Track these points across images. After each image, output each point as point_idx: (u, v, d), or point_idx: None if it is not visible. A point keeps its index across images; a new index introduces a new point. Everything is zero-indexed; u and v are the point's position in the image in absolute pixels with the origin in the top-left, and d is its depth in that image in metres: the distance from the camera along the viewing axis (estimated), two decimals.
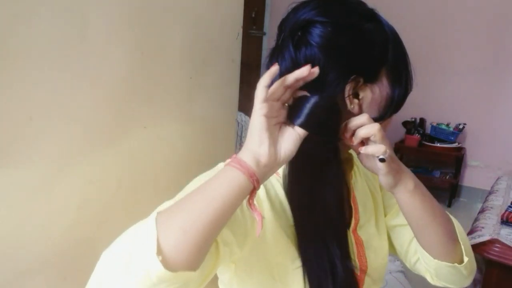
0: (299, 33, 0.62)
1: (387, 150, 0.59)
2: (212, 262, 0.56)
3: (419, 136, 3.45)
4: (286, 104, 0.57)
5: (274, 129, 0.54)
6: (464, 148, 3.49)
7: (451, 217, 0.75)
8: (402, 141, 3.51)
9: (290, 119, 0.56)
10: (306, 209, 0.66)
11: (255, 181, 0.52)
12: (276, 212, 0.67)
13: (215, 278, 0.73)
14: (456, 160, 3.38)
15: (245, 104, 1.94)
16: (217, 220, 0.50)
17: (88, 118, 0.94)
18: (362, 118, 0.60)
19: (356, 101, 0.65)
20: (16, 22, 0.76)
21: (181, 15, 1.17)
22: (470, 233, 1.48)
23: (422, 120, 3.53)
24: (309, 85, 0.55)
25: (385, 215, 0.84)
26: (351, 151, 0.74)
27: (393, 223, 0.82)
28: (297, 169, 0.65)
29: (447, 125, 3.42)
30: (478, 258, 1.34)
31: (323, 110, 0.56)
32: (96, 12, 0.91)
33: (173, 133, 1.23)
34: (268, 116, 0.52)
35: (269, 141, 0.53)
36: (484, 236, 1.40)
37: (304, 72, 0.53)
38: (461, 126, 3.37)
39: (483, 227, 1.48)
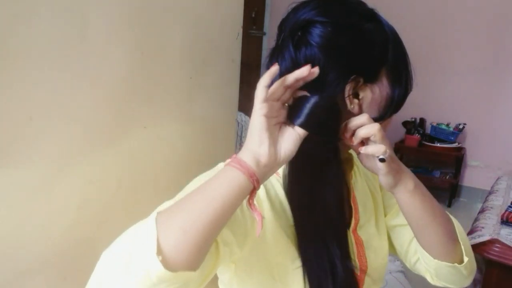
0: (299, 33, 0.62)
1: (387, 150, 0.59)
2: (212, 262, 0.56)
3: (419, 136, 3.45)
4: (286, 104, 0.57)
5: (274, 129, 0.54)
6: (464, 148, 3.49)
7: (451, 217, 0.75)
8: (402, 141, 3.51)
9: (290, 119, 0.56)
10: (306, 209, 0.66)
11: (255, 181, 0.52)
12: (276, 212, 0.67)
13: (215, 278, 0.73)
14: (456, 160, 3.38)
15: (245, 104, 1.93)
16: (217, 220, 0.50)
17: (88, 118, 0.94)
18: (362, 118, 0.60)
19: (356, 101, 0.65)
20: (16, 22, 0.76)
21: (181, 15, 1.17)
22: (470, 233, 1.48)
23: (422, 120, 3.53)
24: (309, 85, 0.55)
25: (385, 215, 0.84)
26: (351, 151, 0.74)
27: (393, 223, 0.82)
28: (297, 169, 0.65)
29: (447, 125, 3.43)
30: (478, 258, 1.34)
31: (323, 110, 0.56)
32: (96, 12, 0.91)
33: (173, 133, 1.23)
34: (268, 116, 0.52)
35: (269, 141, 0.53)
36: (484, 236, 1.40)
37: (304, 72, 0.53)
38: (461, 126, 3.37)
39: (483, 227, 1.48)
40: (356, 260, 0.74)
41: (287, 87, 0.54)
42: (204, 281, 0.55)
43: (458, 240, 0.72)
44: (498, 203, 1.77)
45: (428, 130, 3.51)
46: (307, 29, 0.62)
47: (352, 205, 0.77)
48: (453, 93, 3.47)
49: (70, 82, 0.89)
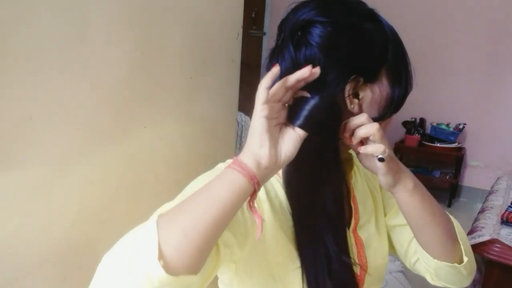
0: (299, 33, 0.62)
1: (386, 150, 0.59)
2: (213, 264, 0.56)
3: (419, 136, 3.45)
4: (286, 105, 0.57)
5: (275, 130, 0.54)
6: (464, 148, 3.50)
7: (451, 217, 0.75)
8: (402, 141, 3.51)
9: (290, 120, 0.56)
10: (306, 209, 0.66)
11: (255, 184, 0.52)
12: (276, 213, 0.67)
13: (215, 278, 0.73)
14: (456, 160, 3.38)
15: (245, 104, 1.94)
16: (218, 223, 0.50)
17: (88, 118, 0.94)
18: (361, 117, 0.60)
19: (356, 101, 0.65)
20: (16, 22, 0.76)
21: (181, 15, 1.17)
22: (470, 233, 1.48)
23: (422, 120, 3.53)
24: (309, 85, 0.55)
25: (385, 215, 0.84)
26: (351, 151, 0.74)
27: (393, 223, 0.82)
28: (297, 169, 0.65)
29: (447, 125, 3.43)
30: (478, 258, 1.34)
31: (323, 111, 0.56)
32: (96, 12, 0.91)
33: (173, 133, 1.23)
34: (269, 118, 0.52)
35: (270, 143, 0.52)
36: (484, 236, 1.40)
37: (306, 73, 0.53)
38: (461, 126, 3.37)
39: (483, 227, 1.48)
40: (356, 260, 0.74)
41: (288, 88, 0.54)
42: (205, 283, 0.55)
43: (457, 240, 0.72)
44: (498, 203, 1.77)
45: (428, 130, 3.51)
46: (307, 29, 0.62)
47: (352, 205, 0.77)
48: (453, 93, 3.47)
49: (70, 82, 0.89)
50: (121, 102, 1.02)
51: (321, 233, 0.66)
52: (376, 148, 0.59)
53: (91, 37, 0.91)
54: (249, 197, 0.53)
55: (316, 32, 0.61)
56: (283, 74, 0.55)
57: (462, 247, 0.72)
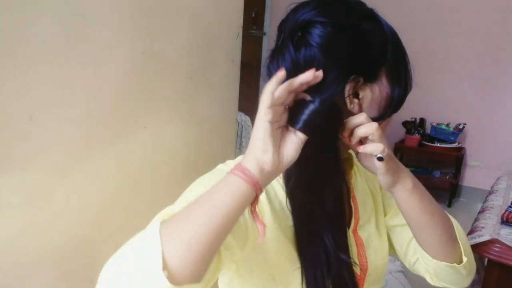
0: (299, 34, 0.63)
1: (385, 149, 0.59)
2: (214, 267, 0.56)
3: (419, 136, 3.45)
4: (287, 107, 0.57)
5: (276, 134, 0.54)
6: (464, 148, 3.49)
7: (450, 217, 0.75)
8: (402, 141, 3.51)
9: (290, 123, 0.56)
10: (306, 209, 0.66)
11: (258, 190, 0.52)
12: (276, 213, 0.67)
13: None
14: (456, 160, 3.38)
15: (245, 104, 1.94)
16: (221, 230, 0.50)
17: (88, 118, 0.94)
18: (360, 117, 0.60)
19: (356, 100, 0.65)
20: (16, 22, 0.76)
21: (181, 15, 1.17)
22: (470, 233, 1.48)
23: (422, 120, 3.53)
24: (310, 85, 0.55)
25: (385, 215, 0.84)
26: (351, 151, 0.74)
27: (392, 223, 0.82)
28: (297, 169, 0.65)
29: (447, 125, 3.43)
30: (476, 259, 1.34)
31: (323, 115, 0.56)
32: (96, 12, 0.91)
33: (173, 133, 1.23)
34: (272, 122, 0.52)
35: (273, 148, 0.52)
36: (484, 236, 1.40)
37: (309, 76, 0.53)
38: (461, 126, 3.37)
39: (483, 227, 1.48)
40: (356, 260, 0.74)
41: (291, 91, 0.54)
42: (207, 287, 0.55)
43: (457, 240, 0.72)
44: (498, 203, 1.77)
45: (428, 130, 3.51)
46: (306, 30, 0.62)
47: (352, 204, 0.77)
48: (453, 93, 3.47)
49: (70, 82, 0.89)
50: (121, 102, 1.02)
51: (321, 233, 0.66)
52: (375, 148, 0.59)
53: (91, 37, 0.91)
54: (250, 203, 0.53)
55: (316, 32, 0.62)
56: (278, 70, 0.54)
57: (461, 247, 0.72)
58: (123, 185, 1.08)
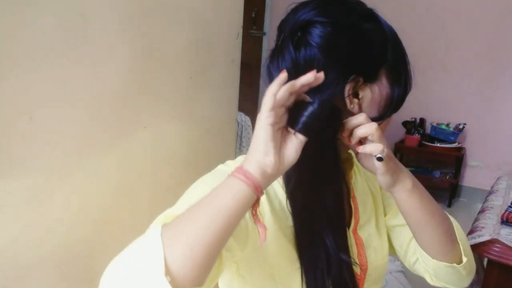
0: (299, 34, 0.62)
1: (385, 149, 0.59)
2: (215, 268, 0.55)
3: (419, 136, 3.45)
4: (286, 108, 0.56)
5: (277, 135, 0.54)
6: (464, 148, 3.49)
7: (450, 217, 0.75)
8: (402, 141, 3.51)
9: (290, 125, 0.56)
10: (306, 209, 0.66)
11: (259, 192, 0.52)
12: (275, 213, 0.67)
13: None
14: (456, 160, 3.38)
15: (245, 104, 1.94)
16: (223, 234, 0.50)
17: (88, 118, 0.94)
18: (360, 117, 0.60)
19: (356, 100, 0.65)
20: (16, 22, 0.76)
21: (181, 15, 1.17)
22: (470, 233, 1.48)
23: (422, 120, 3.53)
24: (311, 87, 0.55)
25: (385, 215, 0.84)
26: (351, 151, 0.74)
27: (392, 223, 0.82)
28: (297, 170, 0.65)
29: (447, 125, 3.42)
30: (476, 259, 1.33)
31: (323, 116, 0.56)
32: (96, 12, 0.91)
33: (173, 133, 1.23)
34: (273, 124, 0.52)
35: (275, 151, 0.52)
36: (484, 236, 1.40)
37: (311, 78, 0.53)
38: (461, 126, 3.37)
39: (483, 227, 1.48)
40: (356, 260, 0.74)
41: (293, 93, 0.54)
42: None
43: (456, 240, 0.72)
44: (498, 203, 1.77)
45: (428, 130, 3.51)
46: (306, 30, 0.62)
47: (352, 204, 0.77)
48: (453, 93, 3.47)
49: (70, 82, 0.89)
50: (121, 102, 1.02)
51: (321, 233, 0.66)
52: (375, 148, 0.59)
53: (91, 37, 0.91)
54: (252, 205, 0.53)
55: (316, 33, 0.62)
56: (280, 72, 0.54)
57: (461, 247, 0.72)
58: (123, 185, 1.08)
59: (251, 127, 2.55)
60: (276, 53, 0.65)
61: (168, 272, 0.46)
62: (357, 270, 0.73)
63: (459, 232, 0.74)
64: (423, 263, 0.75)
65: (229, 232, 0.51)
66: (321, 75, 0.53)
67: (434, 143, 3.40)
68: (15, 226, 0.83)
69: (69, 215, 0.94)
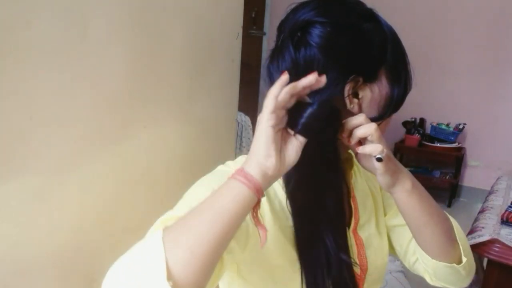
0: (299, 34, 0.63)
1: (384, 150, 0.59)
2: (216, 271, 0.55)
3: (419, 136, 3.45)
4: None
5: (278, 137, 0.54)
6: (464, 148, 3.49)
7: (450, 217, 0.75)
8: (402, 141, 3.51)
9: (290, 126, 0.56)
10: (306, 209, 0.66)
11: (260, 194, 0.52)
12: (275, 213, 0.67)
13: None
14: (456, 160, 3.38)
15: (245, 104, 1.94)
16: (224, 237, 0.50)
17: (88, 118, 0.94)
18: (359, 118, 0.60)
19: (355, 100, 0.65)
20: (16, 22, 0.76)
21: (181, 15, 1.17)
22: (470, 233, 1.48)
23: (422, 120, 3.53)
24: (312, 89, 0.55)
25: (385, 215, 0.84)
26: (351, 151, 0.74)
27: (392, 223, 0.82)
28: (296, 170, 0.65)
29: (447, 125, 3.42)
30: (475, 259, 1.33)
31: (322, 117, 0.56)
32: (96, 12, 0.91)
33: (173, 133, 1.23)
34: (274, 126, 0.52)
35: (276, 153, 0.52)
36: (484, 236, 1.40)
37: (312, 80, 0.53)
38: (461, 126, 3.37)
39: (483, 227, 1.48)
40: (356, 260, 0.74)
41: (294, 95, 0.54)
42: None
43: (456, 240, 0.72)
44: (498, 203, 1.77)
45: (428, 130, 3.51)
46: (306, 30, 0.62)
47: (352, 204, 0.77)
48: (453, 93, 3.47)
49: (70, 82, 0.89)
50: (121, 102, 1.02)
51: (321, 233, 0.66)
52: (374, 148, 0.59)
53: (91, 37, 0.91)
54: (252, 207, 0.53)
55: (316, 33, 0.62)
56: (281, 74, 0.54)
57: (461, 247, 0.72)
58: (123, 185, 1.08)
59: (251, 127, 2.55)
60: (276, 54, 0.65)
61: (169, 276, 0.46)
62: (357, 270, 0.73)
63: (459, 232, 0.74)
64: (423, 263, 0.75)
65: (231, 235, 0.51)
66: (323, 78, 0.53)
67: (434, 143, 3.39)
68: (15, 226, 0.83)
69: (69, 215, 0.94)
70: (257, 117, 0.53)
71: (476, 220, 1.62)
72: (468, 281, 0.75)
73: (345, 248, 0.68)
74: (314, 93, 0.56)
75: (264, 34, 3.86)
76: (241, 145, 2.40)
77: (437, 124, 3.43)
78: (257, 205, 0.53)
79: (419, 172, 3.46)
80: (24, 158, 0.82)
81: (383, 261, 0.80)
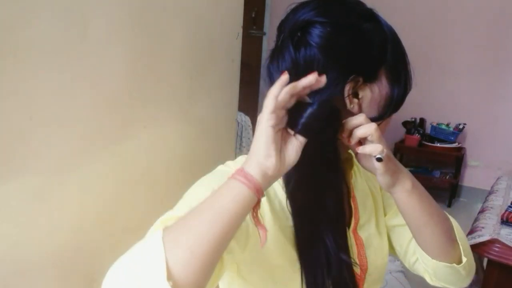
0: (299, 34, 0.63)
1: (384, 150, 0.59)
2: (216, 271, 0.56)
3: (419, 136, 3.45)
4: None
5: (278, 137, 0.54)
6: (464, 148, 3.49)
7: (450, 217, 0.75)
8: (402, 141, 3.51)
9: (290, 126, 0.56)
10: (306, 209, 0.66)
11: (260, 195, 0.52)
12: (275, 213, 0.67)
13: None
14: (456, 160, 3.38)
15: (245, 104, 1.94)
16: (224, 237, 0.50)
17: (88, 118, 0.94)
18: (359, 118, 0.60)
19: (355, 100, 0.65)
20: (16, 22, 0.76)
21: (181, 15, 1.17)
22: (470, 233, 1.48)
23: (422, 120, 3.53)
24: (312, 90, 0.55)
25: (385, 215, 0.84)
26: (351, 151, 0.74)
27: (392, 223, 0.82)
28: (296, 169, 0.65)
29: (447, 125, 3.42)
30: (475, 259, 1.33)
31: (322, 117, 0.56)
32: (96, 12, 0.91)
33: (173, 133, 1.23)
34: (274, 126, 0.52)
35: (276, 153, 0.52)
36: (484, 236, 1.40)
37: (312, 80, 0.53)
38: (461, 126, 3.37)
39: (483, 227, 1.48)
40: (356, 260, 0.74)
41: (294, 95, 0.54)
42: None
43: (456, 240, 0.72)
44: (498, 203, 1.77)
45: (428, 130, 3.51)
46: (306, 30, 0.62)
47: (352, 204, 0.77)
48: (453, 93, 3.47)
49: (70, 82, 0.89)
50: (121, 102, 1.02)
51: (321, 233, 0.66)
52: (374, 148, 0.59)
53: (91, 37, 0.91)
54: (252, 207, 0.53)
55: (316, 33, 0.62)
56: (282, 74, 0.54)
57: (461, 247, 0.72)
58: (123, 185, 1.08)
59: (251, 127, 2.55)
60: (276, 54, 0.65)
61: (170, 276, 0.46)
62: (357, 270, 0.73)
63: (459, 232, 0.74)
64: (423, 263, 0.75)
65: (231, 235, 0.51)
66: (323, 78, 0.53)
67: (434, 143, 3.40)
68: (15, 226, 0.83)
69: (69, 215, 0.94)
70: (257, 117, 0.53)
71: (476, 220, 1.62)
72: (468, 281, 0.75)
73: (345, 248, 0.68)
74: (314, 93, 0.56)
75: (264, 34, 3.86)
76: (241, 145, 2.40)
77: (437, 124, 3.43)
78: (257, 205, 0.53)
79: (419, 172, 3.46)
80: (24, 158, 0.82)
81: (383, 261, 0.80)
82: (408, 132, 3.48)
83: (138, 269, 0.47)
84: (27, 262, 0.86)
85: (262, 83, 3.32)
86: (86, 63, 0.91)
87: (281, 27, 0.66)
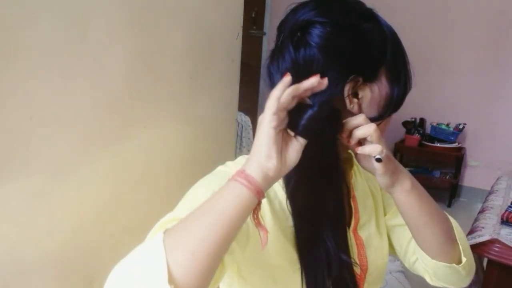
0: (299, 34, 0.63)
1: (384, 150, 0.59)
2: (217, 273, 0.55)
3: (419, 136, 3.45)
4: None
5: (279, 138, 0.54)
6: (464, 148, 3.49)
7: (450, 217, 0.75)
8: (402, 141, 3.51)
9: (290, 127, 0.56)
10: (306, 209, 0.66)
11: (261, 196, 0.52)
12: (275, 214, 0.67)
13: None
14: (456, 160, 3.38)
15: (245, 104, 1.94)
16: (225, 239, 0.50)
17: (88, 118, 0.95)
18: (359, 118, 0.60)
19: (355, 100, 0.65)
20: (16, 23, 0.76)
21: (181, 15, 1.17)
22: (470, 233, 1.48)
23: (422, 120, 3.53)
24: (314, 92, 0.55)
25: (385, 215, 0.84)
26: (351, 151, 0.74)
27: (392, 223, 0.83)
28: (296, 170, 0.65)
29: (447, 125, 3.42)
30: (475, 259, 1.33)
31: (322, 119, 0.56)
32: (96, 12, 0.91)
33: (173, 133, 1.23)
34: (276, 128, 0.52)
35: (277, 154, 0.52)
36: (484, 236, 1.40)
37: (314, 82, 0.53)
38: (461, 126, 3.37)
39: (483, 227, 1.48)
40: (356, 260, 0.74)
41: (295, 97, 0.54)
42: None
43: (456, 240, 0.72)
44: (498, 203, 1.77)
45: (428, 130, 3.51)
46: (306, 30, 0.62)
47: (352, 204, 0.77)
48: (453, 93, 3.47)
49: (70, 82, 0.89)
50: (121, 102, 1.02)
51: (321, 233, 0.66)
52: (374, 149, 0.59)
53: (91, 37, 0.91)
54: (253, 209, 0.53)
55: (316, 33, 0.62)
56: (283, 75, 0.54)
57: (460, 247, 0.72)
58: (123, 185, 1.08)
59: (251, 127, 2.55)
60: (276, 54, 0.65)
61: (171, 279, 0.46)
62: (357, 270, 0.73)
63: (459, 232, 0.74)
64: (423, 263, 0.75)
65: (232, 237, 0.51)
66: (325, 80, 0.53)
67: (434, 143, 3.40)
68: (15, 226, 0.83)
69: (69, 215, 0.94)
70: (258, 117, 0.53)
71: (476, 220, 1.62)
72: (468, 281, 0.75)
73: (345, 248, 0.68)
74: (314, 94, 0.56)
75: (264, 34, 3.86)
76: (241, 145, 2.40)
77: (437, 124, 3.43)
78: (258, 206, 0.53)
79: (419, 172, 3.46)
80: (24, 158, 0.82)
81: (383, 261, 0.80)
82: (408, 132, 3.48)
83: (139, 272, 0.47)
84: (27, 262, 0.86)
85: (262, 83, 3.32)
86: (86, 63, 0.91)
87: (281, 27, 0.66)
